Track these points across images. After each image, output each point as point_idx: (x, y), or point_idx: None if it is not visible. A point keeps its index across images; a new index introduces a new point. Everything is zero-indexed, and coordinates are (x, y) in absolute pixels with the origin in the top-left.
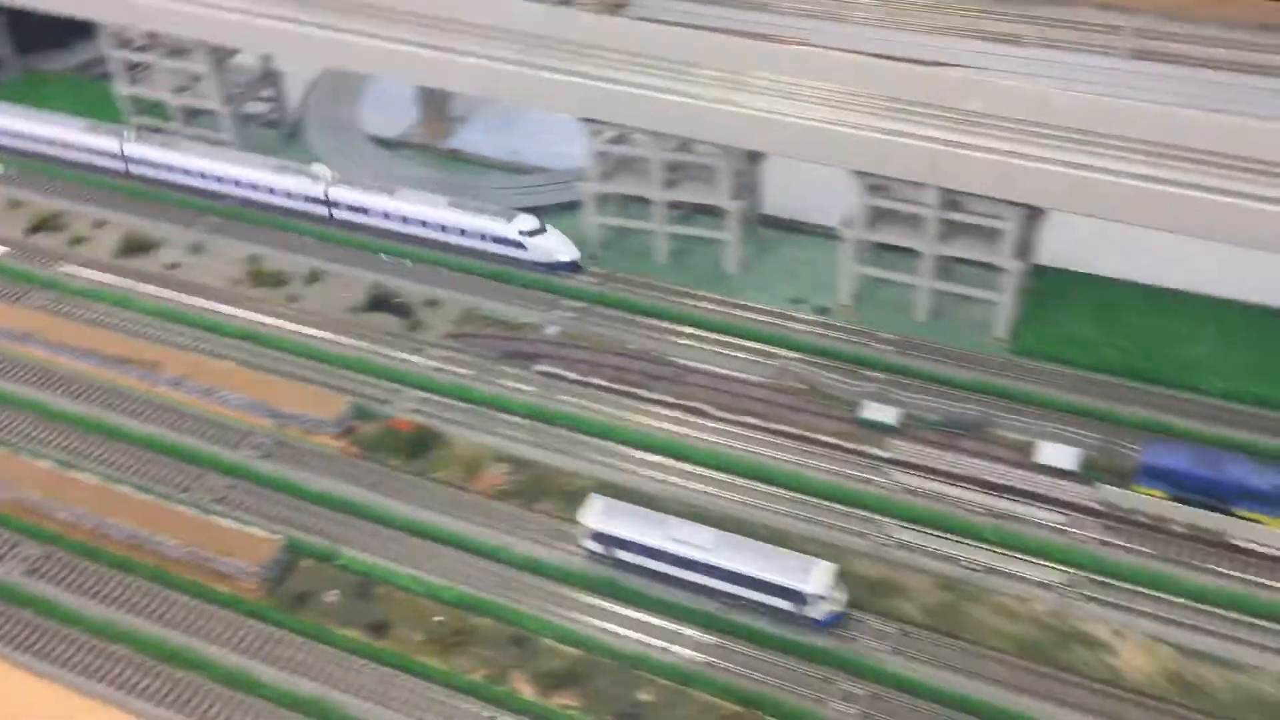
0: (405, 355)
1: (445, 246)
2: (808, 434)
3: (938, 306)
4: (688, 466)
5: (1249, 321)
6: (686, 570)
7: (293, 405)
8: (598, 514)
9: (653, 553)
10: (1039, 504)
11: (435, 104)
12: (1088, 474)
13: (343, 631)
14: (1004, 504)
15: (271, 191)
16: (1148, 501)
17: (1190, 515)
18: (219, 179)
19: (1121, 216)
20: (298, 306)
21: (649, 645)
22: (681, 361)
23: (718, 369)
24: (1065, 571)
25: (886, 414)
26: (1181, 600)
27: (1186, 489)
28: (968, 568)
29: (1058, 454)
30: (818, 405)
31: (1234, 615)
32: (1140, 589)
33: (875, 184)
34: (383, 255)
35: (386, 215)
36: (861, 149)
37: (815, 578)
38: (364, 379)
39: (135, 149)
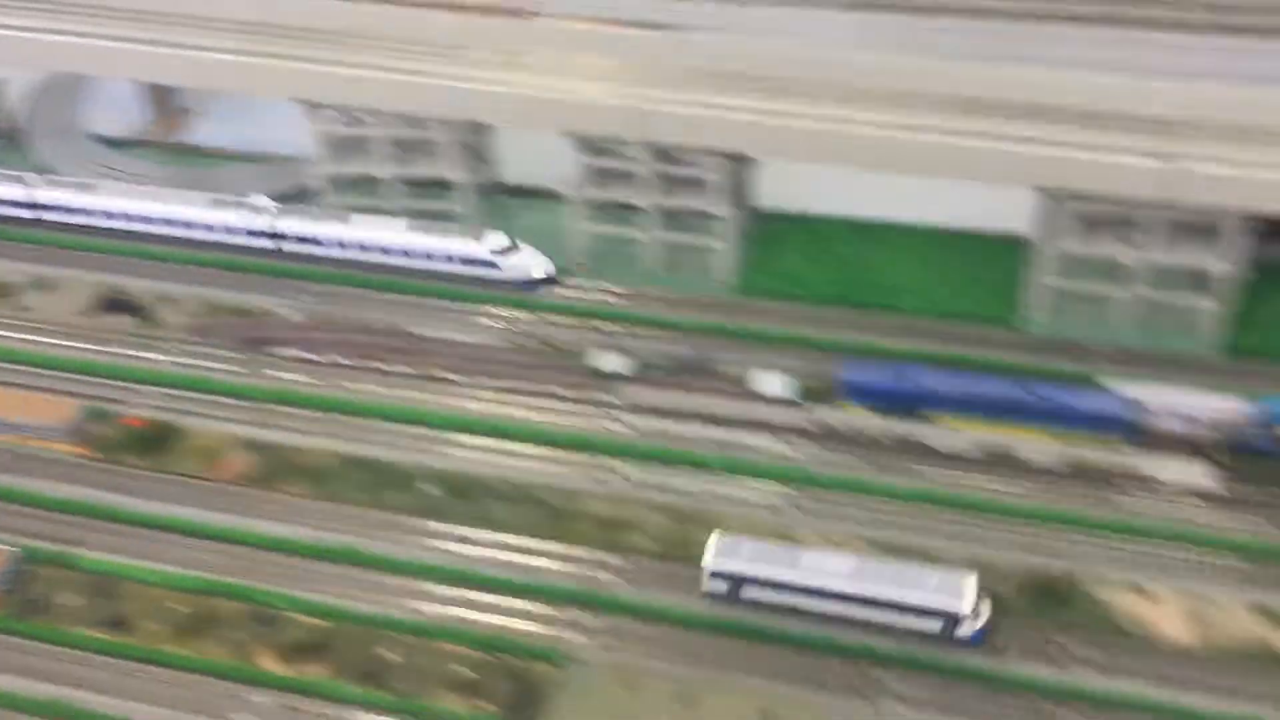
0: (141, 353)
1: (406, 272)
2: (546, 389)
3: (666, 257)
4: (430, 432)
5: (942, 244)
6: (824, 601)
7: (22, 414)
8: (718, 553)
9: (786, 588)
10: (759, 431)
11: (163, 99)
12: (802, 398)
13: (83, 632)
14: (728, 434)
15: (209, 228)
16: (852, 416)
17: (889, 424)
18: (146, 219)
19: (822, 158)
20: (27, 315)
21: (392, 606)
22: (422, 332)
23: (458, 336)
24: (784, 490)
25: (618, 363)
26: (885, 502)
27: (884, 401)
28: (697, 497)
29: (773, 382)
30: (555, 361)
31: (926, 509)
32: (850, 497)
33: (596, 145)
34: None
35: (342, 244)
36: (573, 113)
37: (968, 595)
38: (99, 381)
39: (47, 194)
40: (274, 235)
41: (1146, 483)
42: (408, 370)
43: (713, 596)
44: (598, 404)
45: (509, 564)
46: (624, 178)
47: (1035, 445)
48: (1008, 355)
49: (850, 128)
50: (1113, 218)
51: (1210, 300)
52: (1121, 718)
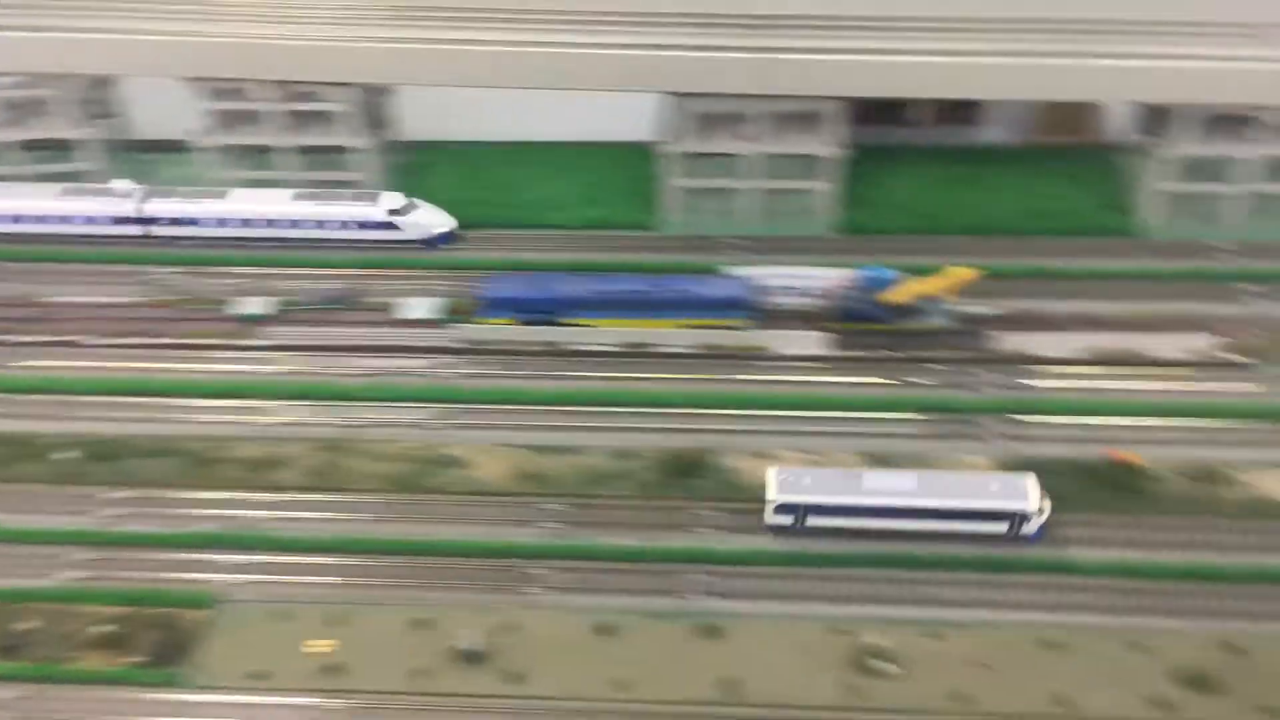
0: None
1: (297, 243)
2: (189, 341)
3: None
4: (66, 398)
5: (584, 158)
6: (891, 519)
7: None
8: (781, 486)
9: (853, 511)
10: (407, 355)
11: None
12: (447, 319)
13: None
14: (378, 362)
15: (64, 220)
16: (495, 330)
17: (531, 333)
18: None
19: (448, 81)
20: None
21: (28, 577)
22: (55, 299)
23: (93, 299)
24: (432, 408)
25: (260, 305)
26: (529, 407)
27: (525, 311)
28: (345, 426)
29: (418, 307)
30: (197, 312)
31: (571, 409)
32: (498, 407)
33: (220, 89)
34: None
35: (222, 222)
36: (189, 56)
37: (1032, 495)
38: None
39: None
40: (142, 220)
41: (769, 356)
42: (42, 338)
43: (776, 529)
44: (243, 348)
45: (153, 517)
46: (254, 119)
47: (669, 335)
48: (648, 256)
49: (474, 49)
50: (727, 114)
51: (819, 183)
52: (740, 572)
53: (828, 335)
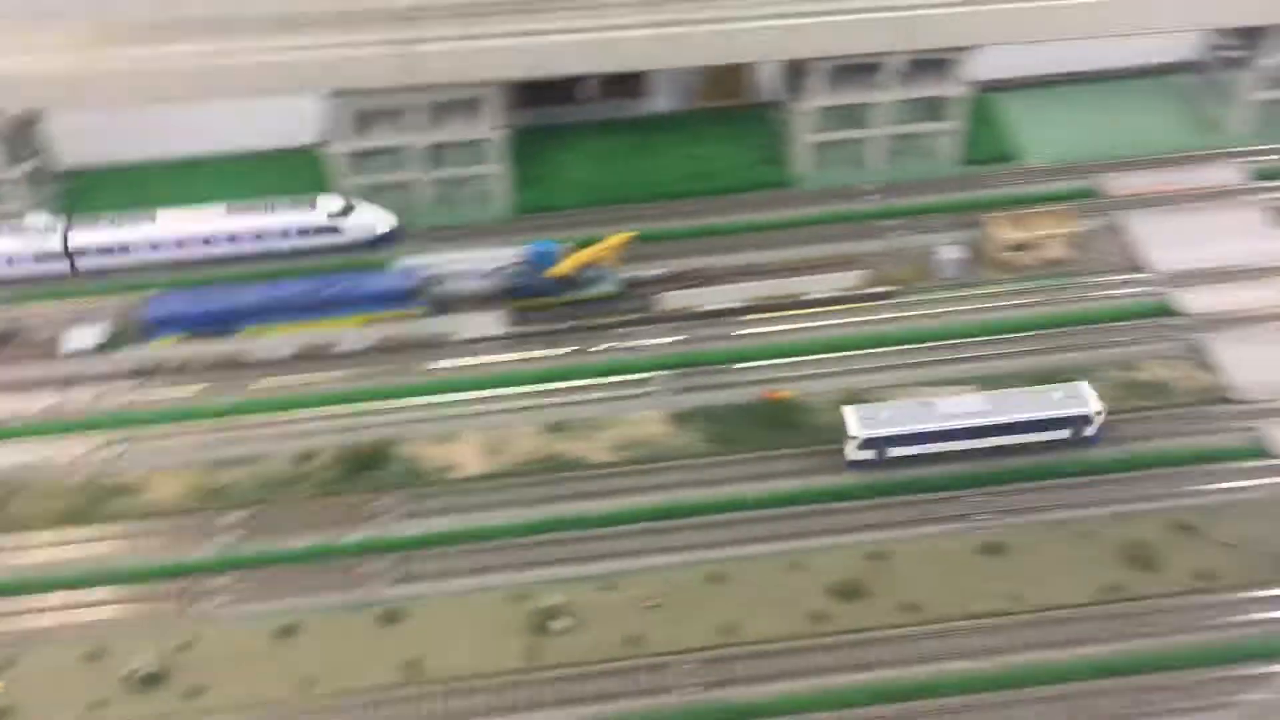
0: None
1: (236, 259)
2: None
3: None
4: None
5: (253, 169)
6: (965, 440)
7: None
8: (861, 423)
9: (933, 437)
10: (74, 387)
11: None
12: (116, 344)
13: None
14: (42, 399)
15: None
16: (166, 349)
17: (203, 348)
18: None
19: (93, 103)
20: None
21: None
22: None
23: None
24: (103, 437)
25: None
26: (206, 423)
27: (196, 326)
28: (8, 468)
29: (84, 336)
30: None
31: (249, 420)
32: (179, 427)
33: None
34: None
35: (155, 246)
36: None
37: (1092, 398)
38: None
39: None
40: (67, 254)
41: (450, 342)
42: None
43: (858, 464)
44: None
45: None
46: None
47: (348, 334)
48: (329, 257)
49: (111, 65)
50: (385, 109)
51: (489, 167)
52: (421, 555)
53: (504, 315)
